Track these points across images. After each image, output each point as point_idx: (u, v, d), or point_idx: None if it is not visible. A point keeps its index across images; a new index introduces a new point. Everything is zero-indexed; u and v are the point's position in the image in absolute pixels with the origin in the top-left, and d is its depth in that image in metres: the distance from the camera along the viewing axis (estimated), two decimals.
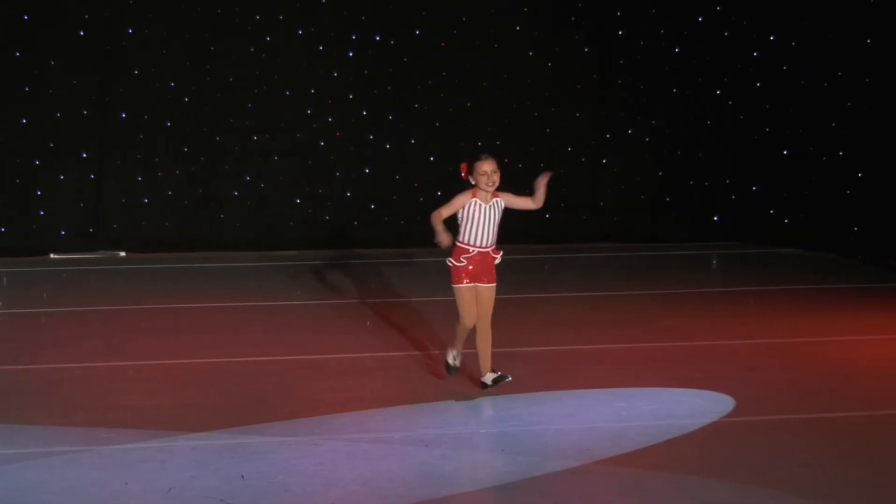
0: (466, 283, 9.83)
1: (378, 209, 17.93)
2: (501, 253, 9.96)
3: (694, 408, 10.08)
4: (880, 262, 16.53)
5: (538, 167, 17.52)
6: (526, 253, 17.56)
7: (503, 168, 9.92)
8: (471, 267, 9.82)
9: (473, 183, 9.83)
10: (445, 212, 9.79)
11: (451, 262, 9.89)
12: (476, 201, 9.82)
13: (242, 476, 8.38)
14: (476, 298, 9.88)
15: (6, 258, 16.84)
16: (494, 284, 9.94)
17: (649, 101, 18.24)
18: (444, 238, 9.73)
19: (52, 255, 17.25)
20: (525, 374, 10.52)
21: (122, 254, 17.49)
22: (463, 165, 9.89)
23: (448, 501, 8.04)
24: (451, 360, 10.14)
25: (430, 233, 9.64)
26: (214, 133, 17.60)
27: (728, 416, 9.87)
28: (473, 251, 9.82)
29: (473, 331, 9.97)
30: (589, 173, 18.14)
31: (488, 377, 10.08)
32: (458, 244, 9.85)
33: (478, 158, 9.85)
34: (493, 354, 10.09)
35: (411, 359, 11.63)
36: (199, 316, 13.56)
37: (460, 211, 9.82)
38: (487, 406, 10.09)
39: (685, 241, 18.29)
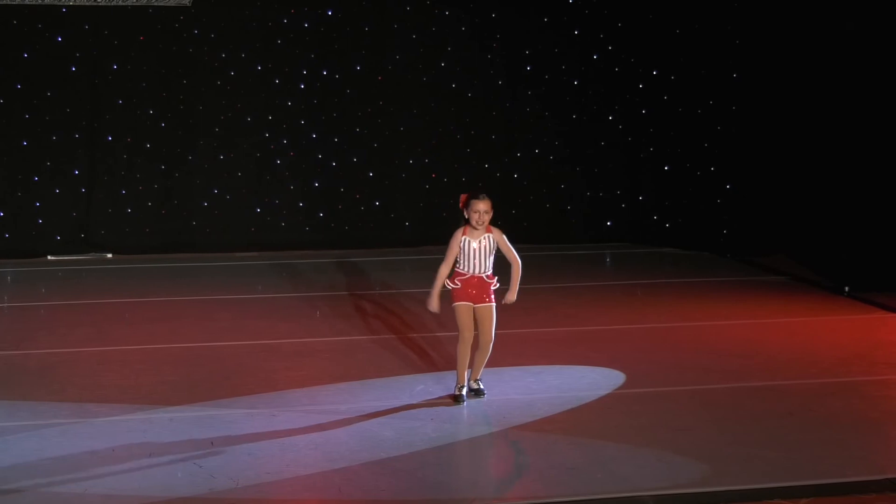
0: (463, 302, 9.39)
1: (326, 217, 17.83)
2: (496, 278, 9.46)
3: (592, 381, 10.12)
4: (744, 259, 16.66)
5: (460, 181, 17.68)
6: None
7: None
8: (470, 290, 9.38)
9: (466, 217, 9.36)
10: (446, 266, 9.39)
11: (449, 283, 9.43)
12: (466, 239, 9.36)
13: (212, 442, 8.32)
14: (475, 318, 9.40)
15: (10, 260, 16.62)
16: (491, 305, 9.39)
17: (554, 126, 18.26)
18: (434, 303, 9.41)
19: (49, 257, 17.03)
20: (452, 355, 10.52)
21: (109, 255, 17.29)
22: (462, 196, 9.38)
23: (387, 463, 8.01)
24: (459, 392, 9.54)
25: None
26: (186, 153, 17.43)
27: (620, 388, 9.92)
28: (468, 275, 9.45)
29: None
30: (503, 186, 18.12)
31: (472, 383, 9.61)
32: (457, 270, 9.46)
33: (476, 196, 9.32)
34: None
35: (354, 342, 11.60)
36: (173, 307, 13.45)
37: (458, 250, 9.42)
38: (418, 382, 10.07)
39: (583, 242, 18.33)
